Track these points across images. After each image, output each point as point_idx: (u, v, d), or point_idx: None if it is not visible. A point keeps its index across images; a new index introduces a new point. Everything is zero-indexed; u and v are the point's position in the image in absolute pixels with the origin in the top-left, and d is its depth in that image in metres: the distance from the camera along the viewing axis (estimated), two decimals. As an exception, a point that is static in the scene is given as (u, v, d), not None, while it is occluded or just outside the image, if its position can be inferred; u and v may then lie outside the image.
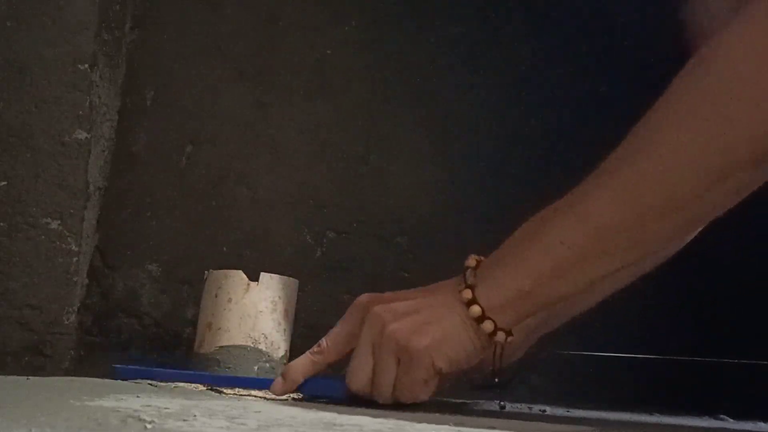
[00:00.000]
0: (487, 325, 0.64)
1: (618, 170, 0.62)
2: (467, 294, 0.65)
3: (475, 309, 0.64)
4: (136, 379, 0.73)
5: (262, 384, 0.72)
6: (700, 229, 0.72)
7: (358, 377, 0.67)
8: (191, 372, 0.74)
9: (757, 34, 0.57)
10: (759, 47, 0.57)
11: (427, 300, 0.67)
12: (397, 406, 0.66)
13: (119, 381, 0.71)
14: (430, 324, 0.65)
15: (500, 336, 0.65)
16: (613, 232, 0.61)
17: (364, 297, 0.69)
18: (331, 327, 0.70)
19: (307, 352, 0.70)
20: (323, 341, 0.70)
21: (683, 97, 0.60)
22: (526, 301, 0.64)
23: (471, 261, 0.67)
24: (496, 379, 0.71)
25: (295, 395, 0.70)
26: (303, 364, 0.69)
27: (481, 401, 0.80)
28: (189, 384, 0.70)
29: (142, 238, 0.92)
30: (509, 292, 0.64)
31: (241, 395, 0.69)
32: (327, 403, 0.68)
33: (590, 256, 0.62)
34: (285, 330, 0.77)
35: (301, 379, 0.69)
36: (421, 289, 0.69)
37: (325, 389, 0.70)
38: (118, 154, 0.91)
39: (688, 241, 0.76)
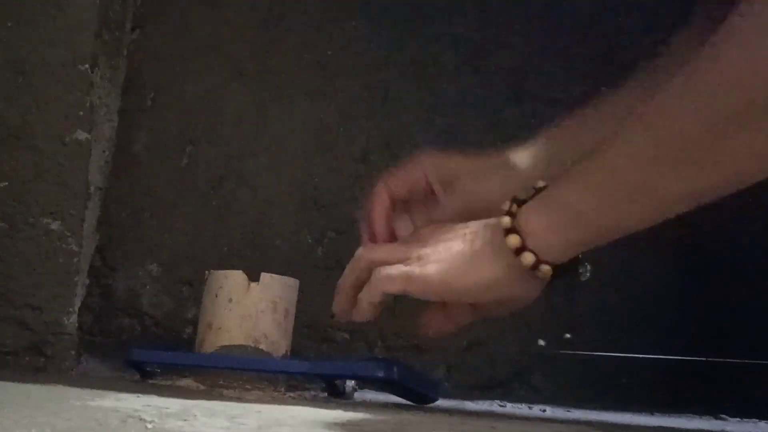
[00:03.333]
0: (527, 257, 0.55)
1: (694, 75, 0.50)
2: (506, 222, 0.56)
3: (514, 239, 0.55)
4: (150, 361, 0.73)
5: (268, 364, 0.72)
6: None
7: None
8: (204, 354, 0.74)
9: None
10: None
11: (462, 233, 0.60)
12: (398, 406, 0.66)
13: (119, 381, 0.71)
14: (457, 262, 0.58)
15: (543, 269, 0.55)
16: (685, 141, 0.50)
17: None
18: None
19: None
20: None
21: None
22: (576, 227, 0.54)
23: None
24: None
25: (294, 395, 0.70)
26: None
27: (481, 401, 0.80)
28: (188, 384, 0.70)
29: (142, 238, 0.92)
30: (557, 213, 0.54)
31: (241, 394, 0.69)
32: (327, 402, 0.68)
33: (658, 172, 0.52)
34: (285, 330, 0.77)
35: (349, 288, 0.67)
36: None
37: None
38: (118, 154, 0.91)
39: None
